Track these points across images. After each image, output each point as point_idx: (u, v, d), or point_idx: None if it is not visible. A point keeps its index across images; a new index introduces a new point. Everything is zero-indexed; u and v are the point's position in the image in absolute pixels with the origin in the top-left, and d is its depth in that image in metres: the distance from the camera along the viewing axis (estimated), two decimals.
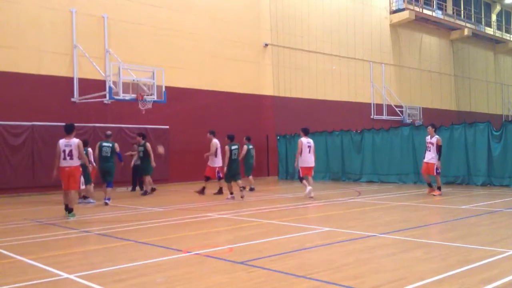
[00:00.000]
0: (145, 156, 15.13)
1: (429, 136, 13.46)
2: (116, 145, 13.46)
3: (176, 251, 6.48)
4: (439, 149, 13.22)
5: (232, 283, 4.92)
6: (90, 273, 5.44)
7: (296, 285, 4.77)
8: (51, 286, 5.02)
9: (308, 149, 13.46)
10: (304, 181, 13.45)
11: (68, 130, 10.16)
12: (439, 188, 13.35)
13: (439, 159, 13.24)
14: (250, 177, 16.02)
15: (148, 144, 15.26)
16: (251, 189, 15.81)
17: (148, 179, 15.30)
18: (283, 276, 5.12)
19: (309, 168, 13.55)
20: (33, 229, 8.87)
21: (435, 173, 13.19)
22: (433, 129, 13.53)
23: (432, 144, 13.30)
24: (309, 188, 13.11)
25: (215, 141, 14.74)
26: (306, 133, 13.73)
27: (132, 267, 5.67)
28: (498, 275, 4.93)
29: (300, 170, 13.45)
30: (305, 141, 13.52)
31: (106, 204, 12.43)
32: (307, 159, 13.46)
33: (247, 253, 6.34)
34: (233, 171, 13.34)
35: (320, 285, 4.76)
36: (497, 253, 5.94)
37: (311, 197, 12.99)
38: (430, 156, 13.29)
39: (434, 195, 13.15)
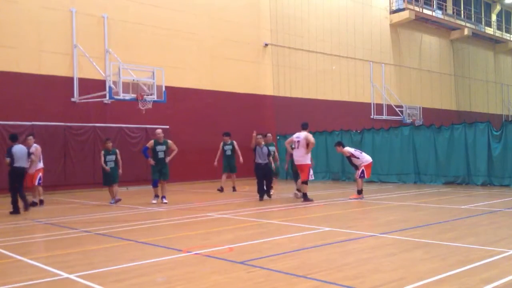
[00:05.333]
0: (233, 154, 15.55)
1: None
2: (150, 142, 12.86)
3: (176, 251, 6.48)
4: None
5: (232, 283, 4.92)
6: (90, 273, 5.43)
7: (296, 285, 4.77)
8: (51, 286, 5.01)
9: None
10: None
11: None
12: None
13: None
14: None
15: (235, 142, 15.59)
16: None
17: (233, 177, 15.80)
18: (283, 276, 5.11)
19: None
20: (33, 229, 8.87)
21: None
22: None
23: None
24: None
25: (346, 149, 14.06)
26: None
27: (132, 267, 5.67)
28: (498, 275, 4.93)
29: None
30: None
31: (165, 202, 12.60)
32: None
33: (247, 253, 6.33)
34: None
35: (320, 285, 4.76)
36: (497, 253, 5.94)
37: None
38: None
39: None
